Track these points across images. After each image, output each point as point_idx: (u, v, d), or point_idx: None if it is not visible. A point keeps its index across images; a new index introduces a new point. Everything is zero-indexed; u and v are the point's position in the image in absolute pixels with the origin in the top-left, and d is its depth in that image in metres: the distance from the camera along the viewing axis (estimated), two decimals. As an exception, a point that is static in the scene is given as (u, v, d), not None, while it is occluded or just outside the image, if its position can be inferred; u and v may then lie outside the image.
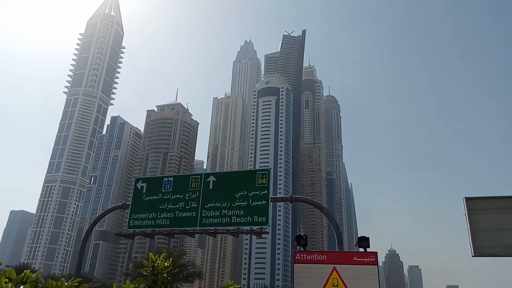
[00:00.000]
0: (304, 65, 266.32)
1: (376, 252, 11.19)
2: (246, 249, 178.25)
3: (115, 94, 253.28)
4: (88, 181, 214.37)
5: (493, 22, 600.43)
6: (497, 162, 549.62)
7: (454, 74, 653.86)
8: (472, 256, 10.81)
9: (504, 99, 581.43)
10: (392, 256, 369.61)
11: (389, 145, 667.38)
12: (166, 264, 3.21)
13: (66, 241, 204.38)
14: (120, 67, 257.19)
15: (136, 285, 3.13)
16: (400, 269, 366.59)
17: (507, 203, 11.26)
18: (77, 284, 1.76)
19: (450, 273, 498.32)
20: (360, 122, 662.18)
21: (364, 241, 11.71)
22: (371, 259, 11.01)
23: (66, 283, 1.70)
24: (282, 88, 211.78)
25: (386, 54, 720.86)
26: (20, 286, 1.70)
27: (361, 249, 11.62)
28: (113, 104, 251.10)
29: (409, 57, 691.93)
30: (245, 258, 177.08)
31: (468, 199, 11.21)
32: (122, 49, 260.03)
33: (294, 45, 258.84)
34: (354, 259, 11.21)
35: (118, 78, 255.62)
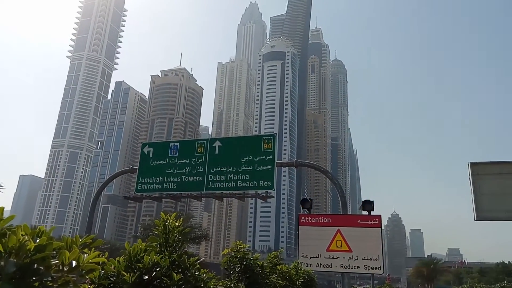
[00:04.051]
0: (310, 28, 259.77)
1: (380, 215, 11.40)
2: (251, 212, 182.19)
3: (118, 58, 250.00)
4: (94, 146, 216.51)
5: None
6: (502, 126, 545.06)
7: (467, 41, 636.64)
8: (475, 220, 10.99)
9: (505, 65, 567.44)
10: (395, 220, 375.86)
11: (394, 110, 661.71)
12: (177, 223, 3.31)
13: (75, 205, 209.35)
14: (123, 31, 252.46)
15: (148, 243, 3.14)
16: (402, 233, 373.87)
17: (511, 168, 11.33)
18: (91, 240, 1.78)
19: (451, 237, 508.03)
20: (367, 87, 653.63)
21: (368, 205, 11.90)
22: (375, 222, 11.24)
23: (80, 240, 1.77)
24: (288, 52, 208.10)
25: (396, 15, 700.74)
26: (36, 239, 1.45)
27: (365, 212, 11.84)
28: (117, 69, 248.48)
29: (419, 20, 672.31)
30: (250, 222, 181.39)
31: (473, 164, 11.27)
32: (124, 12, 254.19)
33: (300, 7, 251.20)
34: (358, 221, 11.46)
35: (121, 42, 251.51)
